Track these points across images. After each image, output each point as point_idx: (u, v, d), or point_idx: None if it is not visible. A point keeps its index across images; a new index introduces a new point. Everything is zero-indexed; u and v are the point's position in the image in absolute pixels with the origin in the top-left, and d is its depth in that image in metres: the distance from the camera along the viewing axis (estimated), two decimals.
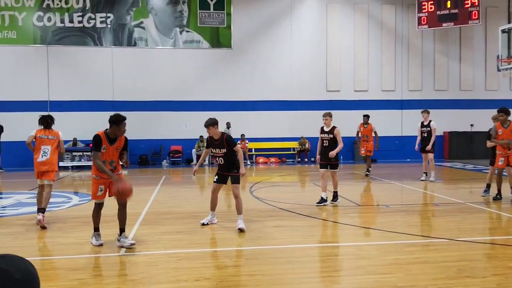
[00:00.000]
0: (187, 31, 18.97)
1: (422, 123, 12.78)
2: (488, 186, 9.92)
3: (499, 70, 13.93)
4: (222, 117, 18.57)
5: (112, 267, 5.20)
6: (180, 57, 19.44)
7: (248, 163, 18.72)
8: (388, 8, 20.31)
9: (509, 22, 13.59)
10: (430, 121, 12.66)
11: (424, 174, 12.81)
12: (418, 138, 12.76)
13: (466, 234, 6.67)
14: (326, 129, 9.38)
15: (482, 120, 19.98)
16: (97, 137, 5.92)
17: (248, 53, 19.83)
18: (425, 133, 12.60)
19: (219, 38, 19.12)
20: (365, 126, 13.94)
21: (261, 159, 19.45)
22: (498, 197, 9.33)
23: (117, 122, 6.00)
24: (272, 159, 19.71)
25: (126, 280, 4.76)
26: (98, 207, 6.23)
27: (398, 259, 5.39)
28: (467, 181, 13.54)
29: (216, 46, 19.21)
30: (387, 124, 20.28)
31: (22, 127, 18.45)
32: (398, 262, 5.27)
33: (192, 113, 19.20)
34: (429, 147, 12.39)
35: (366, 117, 14.11)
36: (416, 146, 12.82)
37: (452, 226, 7.30)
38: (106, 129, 6.05)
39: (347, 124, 19.51)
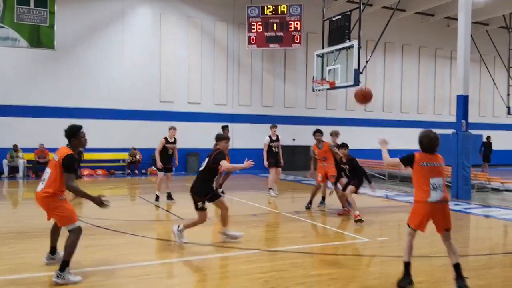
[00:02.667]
0: (1, 27, 16.81)
1: (270, 137, 12.45)
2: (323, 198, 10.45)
3: (313, 90, 15.33)
4: (41, 124, 16.91)
5: None
6: None
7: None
8: (221, 24, 20.97)
9: (323, 48, 15.08)
10: (277, 135, 12.59)
11: (272, 190, 12.59)
12: (266, 154, 12.28)
13: (278, 244, 6.99)
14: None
15: (303, 135, 21.86)
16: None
17: (74, 56, 18.43)
18: (276, 148, 12.46)
19: (39, 38, 17.35)
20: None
21: (86, 171, 18.08)
22: (309, 206, 10.11)
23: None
24: (99, 171, 18.53)
25: None
26: None
27: (208, 275, 5.33)
28: (287, 191, 14.47)
29: (36, 46, 17.38)
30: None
31: None
32: (208, 278, 5.21)
33: (6, 118, 17.03)
34: (282, 161, 12.47)
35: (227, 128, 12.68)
36: (267, 162, 12.31)
37: (268, 235, 7.62)
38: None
39: (181, 135, 19.44)
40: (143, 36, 19.62)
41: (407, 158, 5.02)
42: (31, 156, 17.17)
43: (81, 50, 18.56)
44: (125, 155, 19.12)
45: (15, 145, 16.71)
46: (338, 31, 13.93)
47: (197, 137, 20.20)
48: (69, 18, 18.02)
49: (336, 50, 13.99)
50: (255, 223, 8.78)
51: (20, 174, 16.83)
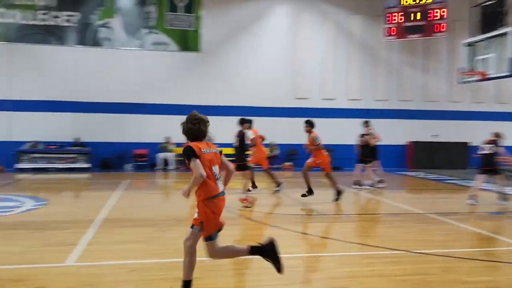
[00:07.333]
0: (154, 33, 18.66)
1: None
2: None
3: (461, 82, 14.21)
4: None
5: (56, 278, 4.91)
6: (147, 59, 19.09)
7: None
8: (356, 18, 20.53)
9: (471, 36, 13.88)
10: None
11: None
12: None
13: (423, 246, 6.67)
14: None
15: (446, 131, 20.50)
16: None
17: (217, 57, 19.66)
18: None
19: (187, 41, 18.87)
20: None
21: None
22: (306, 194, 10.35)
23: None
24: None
25: None
26: None
27: (353, 272, 5.31)
28: (428, 191, 13.70)
29: (184, 49, 18.95)
30: (354, 132, 20.45)
31: None
32: (353, 274, 5.19)
33: (158, 116, 18.86)
34: None
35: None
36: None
37: (410, 237, 7.31)
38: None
39: (316, 130, 19.65)
40: (280, 35, 20.14)
41: None
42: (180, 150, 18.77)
43: (223, 52, 19.73)
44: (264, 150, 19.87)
45: (166, 137, 18.39)
46: (490, 18, 12.70)
47: (331, 133, 20.15)
48: (213, 22, 19.25)
49: (488, 38, 12.76)
50: (397, 222, 8.47)
51: (171, 166, 18.53)
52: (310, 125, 10.53)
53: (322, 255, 6.13)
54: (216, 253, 4.33)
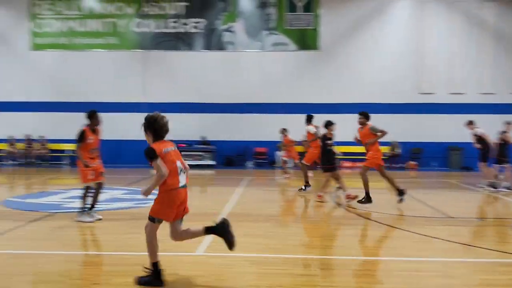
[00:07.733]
0: (274, 34, 19.10)
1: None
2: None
3: None
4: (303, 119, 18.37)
5: (187, 266, 5.30)
6: (267, 60, 19.65)
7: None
8: (489, 6, 18.84)
9: None
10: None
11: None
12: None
13: None
14: None
15: None
16: None
17: (335, 55, 19.49)
18: None
19: (306, 40, 19.00)
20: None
21: (347, 164, 18.94)
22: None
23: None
24: (359, 164, 19.08)
25: (199, 280, 4.83)
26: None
27: (488, 280, 4.88)
28: None
29: (303, 48, 19.13)
30: (487, 129, 18.77)
31: (121, 127, 19.85)
32: (488, 283, 4.78)
33: (277, 115, 19.26)
34: None
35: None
36: None
37: None
38: None
39: (442, 128, 18.55)
40: (402, 29, 19.31)
41: None
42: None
43: (341, 49, 19.49)
44: (384, 149, 19.19)
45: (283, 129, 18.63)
46: None
47: (460, 130, 18.74)
48: (331, 19, 19.13)
49: None
50: None
51: (289, 164, 18.73)
52: (365, 117, 9.85)
53: (453, 260, 5.73)
54: (149, 233, 4.70)
